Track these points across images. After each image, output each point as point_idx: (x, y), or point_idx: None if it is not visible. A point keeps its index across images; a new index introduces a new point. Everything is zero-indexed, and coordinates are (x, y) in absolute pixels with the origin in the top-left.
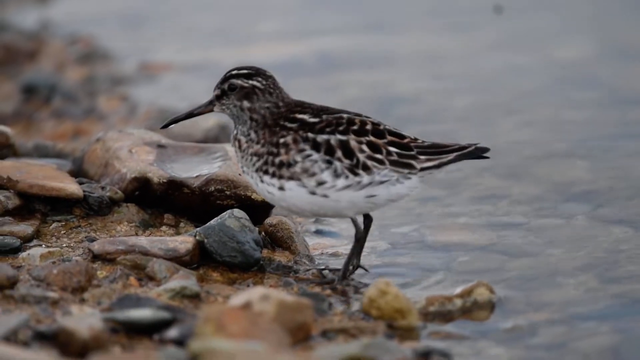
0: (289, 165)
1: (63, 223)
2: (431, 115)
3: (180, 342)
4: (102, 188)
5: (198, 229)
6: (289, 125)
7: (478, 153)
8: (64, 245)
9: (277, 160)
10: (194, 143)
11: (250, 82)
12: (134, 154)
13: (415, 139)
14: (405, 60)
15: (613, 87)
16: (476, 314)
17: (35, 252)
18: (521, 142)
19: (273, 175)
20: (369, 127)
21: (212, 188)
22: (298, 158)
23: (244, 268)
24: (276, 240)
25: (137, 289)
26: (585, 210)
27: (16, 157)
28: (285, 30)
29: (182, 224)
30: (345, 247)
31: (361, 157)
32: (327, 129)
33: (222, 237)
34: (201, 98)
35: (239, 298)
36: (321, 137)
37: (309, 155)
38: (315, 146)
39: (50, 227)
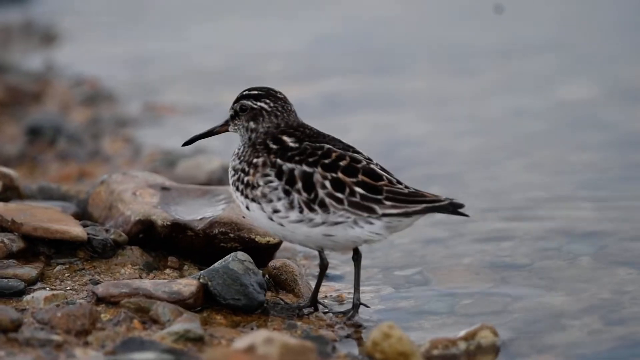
0: (253, 187)
1: (67, 266)
2: (436, 158)
3: None
4: (106, 231)
5: (202, 271)
6: (271, 146)
7: (450, 208)
8: (68, 288)
9: (245, 179)
10: (197, 185)
11: (259, 103)
12: (138, 197)
13: (397, 183)
14: (411, 103)
15: (618, 128)
16: (480, 357)
17: (39, 295)
18: (525, 184)
19: (242, 193)
20: (343, 162)
21: (216, 231)
22: (261, 182)
23: (248, 311)
24: (280, 283)
25: (141, 332)
26: (589, 251)
27: (20, 200)
28: (291, 72)
29: (185, 267)
30: (349, 291)
31: (321, 192)
32: (297, 158)
33: (226, 280)
34: (206, 140)
35: (242, 341)
36: (287, 166)
37: (270, 182)
38: (279, 174)
39: (55, 270)
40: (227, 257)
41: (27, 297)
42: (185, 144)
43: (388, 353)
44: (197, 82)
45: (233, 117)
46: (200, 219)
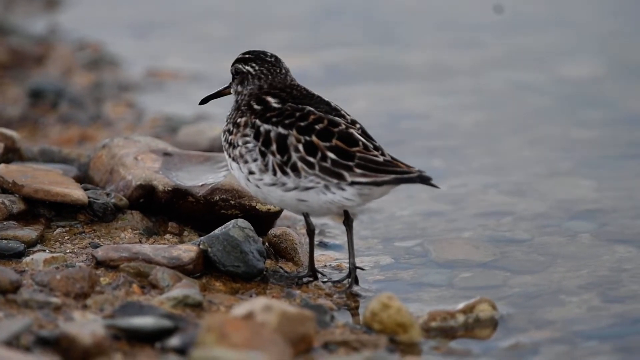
0: (234, 146)
1: (67, 229)
2: (438, 131)
3: (182, 351)
4: (107, 195)
5: (202, 238)
6: (254, 107)
7: (417, 180)
8: (68, 251)
9: (229, 138)
10: (199, 152)
11: (247, 67)
12: (139, 162)
13: (374, 150)
14: (414, 75)
15: (620, 106)
16: (478, 330)
17: (38, 257)
18: (527, 159)
19: (226, 152)
20: (320, 125)
21: (217, 197)
22: (239, 142)
23: (247, 278)
24: (280, 251)
25: (139, 297)
26: (589, 228)
27: (22, 162)
28: (294, 42)
29: (186, 233)
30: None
31: (294, 156)
32: (274, 119)
33: (225, 246)
34: (208, 107)
35: (241, 308)
36: (264, 127)
37: (247, 142)
38: (257, 134)
39: (55, 233)
40: (227, 224)
41: (27, 259)
42: (201, 102)
43: (386, 324)
44: (200, 49)
45: (232, 80)
46: (202, 185)
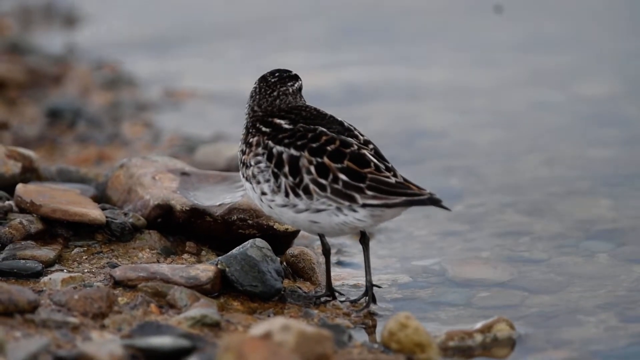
0: (247, 166)
1: (85, 248)
2: (456, 150)
3: None
4: (125, 214)
5: (220, 257)
6: (263, 129)
7: (428, 203)
8: (86, 270)
9: (243, 158)
10: (217, 171)
11: (254, 85)
12: (157, 181)
13: (386, 171)
14: (431, 94)
15: (638, 124)
16: (496, 350)
17: (56, 276)
18: (544, 179)
19: (241, 171)
20: (331, 146)
21: (235, 217)
22: (252, 162)
23: (265, 298)
24: (297, 270)
25: (157, 316)
26: (607, 248)
27: (40, 181)
28: (312, 61)
29: (203, 252)
30: None
31: (306, 178)
32: (287, 140)
33: (243, 266)
34: (225, 126)
35: (259, 328)
36: (277, 148)
37: (259, 162)
38: (269, 156)
39: (72, 252)
40: (245, 243)
41: (45, 279)
42: None
43: (404, 343)
44: (218, 69)
45: None
46: (219, 205)
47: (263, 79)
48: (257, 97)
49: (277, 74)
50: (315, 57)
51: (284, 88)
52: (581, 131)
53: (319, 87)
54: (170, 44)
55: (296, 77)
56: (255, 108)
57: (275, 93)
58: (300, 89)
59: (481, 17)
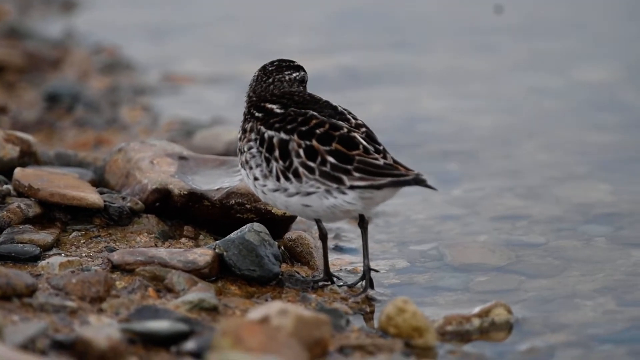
0: (241, 152)
1: (83, 232)
2: (454, 134)
3: (197, 355)
4: (123, 198)
5: (218, 241)
6: (256, 114)
7: (413, 183)
8: (84, 254)
9: (238, 144)
10: (215, 155)
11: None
12: (155, 165)
13: (376, 153)
14: (430, 79)
15: (637, 109)
16: (494, 334)
17: (54, 260)
18: (542, 163)
19: (238, 159)
20: (321, 129)
21: (233, 201)
22: (245, 148)
23: (263, 282)
24: (295, 255)
25: (155, 301)
26: (605, 232)
27: (38, 165)
28: (311, 46)
29: (201, 236)
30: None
31: (295, 161)
32: (277, 125)
33: (241, 250)
34: (224, 110)
35: (257, 312)
36: (267, 133)
37: (251, 148)
38: (261, 141)
39: (70, 236)
40: (243, 227)
41: (43, 263)
42: None
43: (402, 328)
44: (216, 53)
45: None
46: (217, 189)
47: (263, 67)
48: (254, 83)
49: (276, 63)
50: (315, 42)
51: (280, 76)
52: (580, 116)
53: (318, 72)
54: (169, 28)
55: (297, 68)
56: (251, 94)
57: (270, 79)
58: (301, 80)
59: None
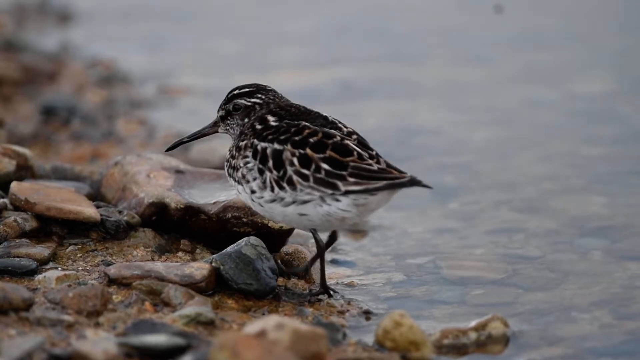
0: (236, 169)
1: (80, 246)
2: (450, 147)
3: None
4: (120, 212)
5: (214, 255)
6: (256, 127)
7: (409, 184)
8: (80, 268)
9: (232, 162)
10: (212, 169)
11: (252, 100)
12: (152, 179)
13: (370, 159)
14: (426, 91)
15: (633, 122)
16: (490, 347)
17: (51, 274)
18: (539, 176)
19: (230, 176)
20: (314, 138)
21: (229, 215)
22: (241, 163)
23: (259, 296)
24: (292, 268)
25: (152, 314)
26: (601, 245)
27: (34, 179)
28: (306, 58)
29: (198, 250)
30: (360, 277)
31: (289, 170)
32: (270, 136)
33: (238, 264)
34: None
35: (254, 326)
36: (261, 145)
37: (247, 162)
38: (255, 153)
39: (67, 250)
40: (239, 241)
41: (39, 277)
42: (169, 149)
43: (399, 341)
44: (212, 66)
45: (224, 118)
46: (214, 203)
47: (262, 90)
48: (271, 101)
49: (267, 85)
50: (311, 54)
51: (279, 94)
52: (576, 128)
53: (313, 84)
54: (165, 41)
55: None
56: (271, 107)
57: (280, 96)
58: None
59: (477, 13)
